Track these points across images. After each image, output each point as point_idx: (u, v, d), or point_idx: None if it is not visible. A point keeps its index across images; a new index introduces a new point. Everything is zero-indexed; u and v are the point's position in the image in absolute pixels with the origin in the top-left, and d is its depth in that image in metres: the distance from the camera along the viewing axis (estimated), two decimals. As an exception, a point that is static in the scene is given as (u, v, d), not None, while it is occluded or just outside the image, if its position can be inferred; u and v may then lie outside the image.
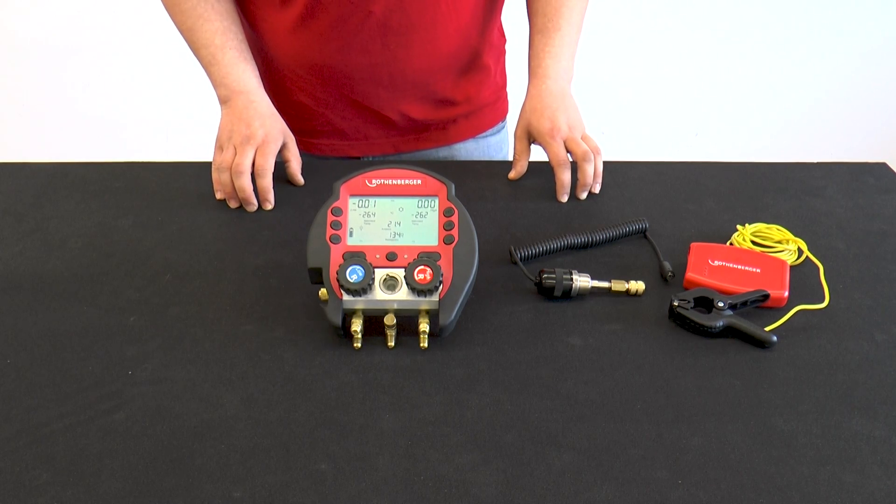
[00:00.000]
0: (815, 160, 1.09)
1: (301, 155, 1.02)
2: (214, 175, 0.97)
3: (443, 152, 1.17)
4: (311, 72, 1.06)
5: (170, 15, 1.00)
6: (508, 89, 1.24)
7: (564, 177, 0.97)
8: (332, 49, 1.02)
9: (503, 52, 1.20)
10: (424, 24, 1.02)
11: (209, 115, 2.67)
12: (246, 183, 0.93)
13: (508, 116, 1.25)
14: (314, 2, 0.98)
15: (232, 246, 0.88)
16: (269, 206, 0.95)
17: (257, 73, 1.01)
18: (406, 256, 0.74)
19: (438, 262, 0.73)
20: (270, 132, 0.96)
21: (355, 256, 0.73)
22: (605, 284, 0.81)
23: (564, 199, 0.98)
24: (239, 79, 0.97)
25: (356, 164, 0.84)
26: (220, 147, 0.98)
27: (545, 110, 1.00)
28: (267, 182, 0.94)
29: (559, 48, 1.04)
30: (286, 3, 0.99)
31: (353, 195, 0.78)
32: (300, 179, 1.00)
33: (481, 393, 0.68)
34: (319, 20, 0.99)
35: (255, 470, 0.61)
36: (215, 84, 0.99)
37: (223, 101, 0.99)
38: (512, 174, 1.03)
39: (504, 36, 1.19)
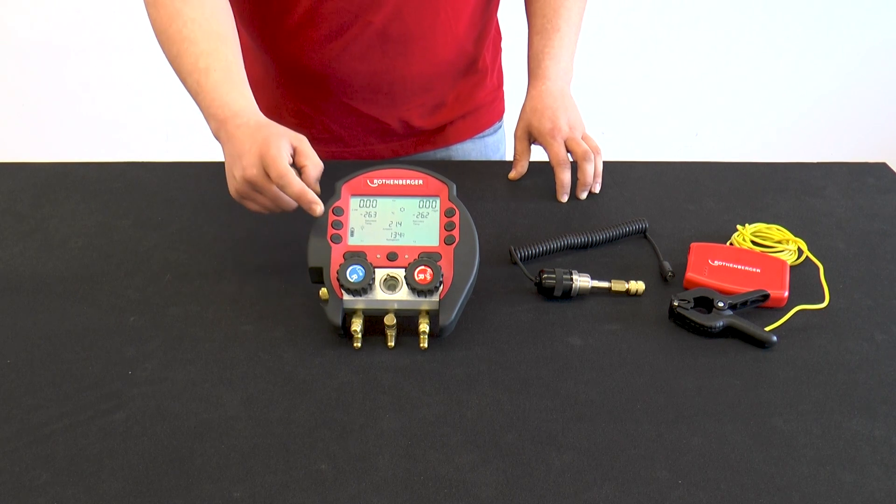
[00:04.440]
0: (815, 160, 1.09)
1: None
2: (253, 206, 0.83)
3: (441, 154, 1.17)
4: (311, 79, 1.05)
5: (160, 45, 0.90)
6: (506, 89, 1.24)
7: (565, 177, 0.97)
8: (331, 57, 1.02)
9: (500, 51, 1.20)
10: (423, 32, 1.01)
11: (209, 115, 2.61)
12: (286, 182, 0.77)
13: (505, 116, 1.25)
14: (313, 11, 0.97)
15: (232, 246, 0.88)
16: (319, 208, 0.76)
17: (247, 87, 0.86)
18: (407, 256, 0.74)
19: (439, 263, 0.73)
20: (268, 139, 0.78)
21: (356, 256, 0.73)
22: (605, 284, 0.81)
23: (564, 199, 0.98)
24: (223, 103, 0.82)
25: (358, 164, 0.84)
26: (235, 194, 0.83)
27: (545, 111, 1.00)
28: (295, 189, 0.76)
29: (558, 49, 1.04)
30: (285, 12, 0.99)
31: (354, 195, 0.78)
32: (315, 189, 0.79)
33: (481, 393, 0.68)
34: (319, 29, 0.99)
35: (255, 470, 0.61)
36: (205, 116, 0.85)
37: (215, 135, 0.85)
38: (512, 174, 1.03)
39: (500, 34, 1.19)
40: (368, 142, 1.12)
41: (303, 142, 0.80)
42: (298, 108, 1.09)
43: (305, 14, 0.98)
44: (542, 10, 1.05)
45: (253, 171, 0.77)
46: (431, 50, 1.04)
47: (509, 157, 1.08)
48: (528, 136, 1.04)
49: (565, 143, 0.99)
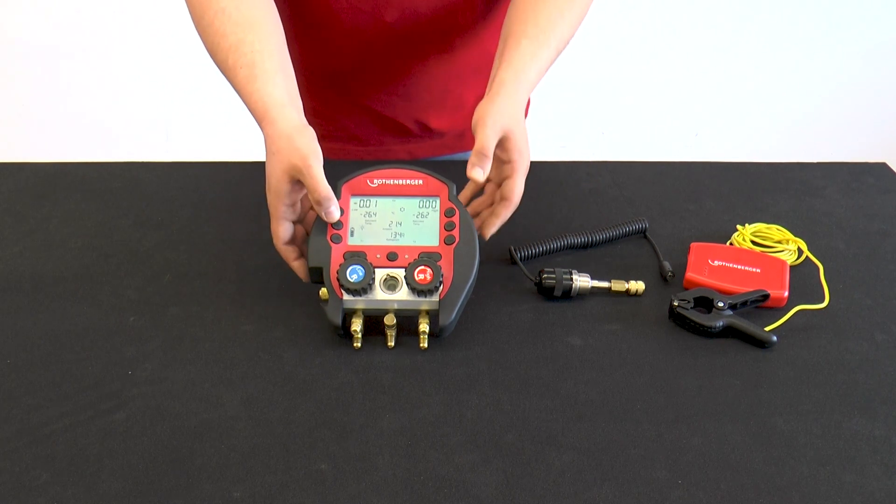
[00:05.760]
0: (815, 160, 1.09)
1: None
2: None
3: (458, 158, 1.15)
4: (325, 79, 1.05)
5: (198, 35, 0.85)
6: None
7: (506, 215, 0.81)
8: (346, 58, 1.01)
9: None
10: (440, 34, 1.00)
11: (209, 114, 2.66)
12: (283, 257, 0.77)
13: (531, 124, 1.22)
14: (326, 11, 0.97)
15: (232, 246, 0.88)
16: (304, 279, 0.77)
17: (267, 80, 0.78)
18: (407, 256, 0.74)
19: (439, 263, 0.73)
20: (270, 181, 0.74)
21: (356, 256, 0.73)
22: (605, 284, 0.81)
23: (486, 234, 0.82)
24: (251, 103, 0.77)
25: (358, 164, 0.84)
26: None
27: (523, 132, 0.81)
28: (285, 253, 0.76)
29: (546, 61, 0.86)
30: (298, 12, 0.99)
31: (354, 195, 0.78)
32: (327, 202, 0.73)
33: (481, 393, 0.68)
34: (333, 29, 0.98)
35: (255, 470, 0.61)
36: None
37: None
38: (481, 178, 0.78)
39: None
40: (384, 142, 1.11)
41: (304, 173, 0.71)
42: (314, 107, 1.09)
43: (319, 13, 0.97)
44: (535, 19, 0.86)
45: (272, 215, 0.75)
46: (449, 52, 1.02)
47: None
48: (499, 143, 0.79)
49: (513, 175, 0.80)
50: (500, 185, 0.81)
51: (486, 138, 0.77)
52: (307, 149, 0.72)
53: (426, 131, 1.11)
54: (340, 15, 0.97)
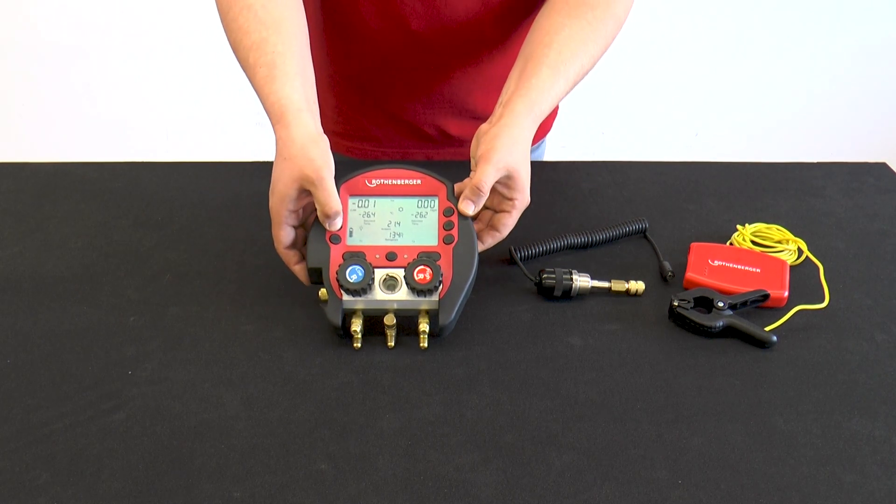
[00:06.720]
0: (815, 160, 1.09)
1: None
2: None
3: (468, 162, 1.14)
4: (349, 80, 1.04)
5: (223, 28, 0.84)
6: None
7: (491, 244, 0.81)
8: (370, 62, 1.01)
9: None
10: (467, 45, 0.99)
11: (209, 114, 2.66)
12: (284, 261, 0.77)
13: (549, 135, 1.20)
14: (355, 15, 0.96)
15: (232, 246, 0.88)
16: (305, 282, 0.77)
17: (285, 82, 0.76)
18: (406, 256, 0.74)
19: (438, 262, 0.73)
20: (276, 186, 0.73)
21: (355, 256, 0.73)
22: (604, 284, 0.81)
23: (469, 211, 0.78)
24: (268, 105, 0.76)
25: (357, 164, 0.84)
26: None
27: (528, 173, 0.80)
28: (286, 258, 0.77)
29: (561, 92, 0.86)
30: (327, 13, 0.98)
31: (352, 195, 0.78)
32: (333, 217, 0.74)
33: (481, 393, 0.68)
34: (359, 33, 0.98)
35: (255, 470, 0.61)
36: None
37: None
38: (470, 213, 0.77)
39: None
40: (403, 144, 1.11)
41: (316, 185, 0.72)
42: (336, 105, 1.09)
43: (348, 15, 0.97)
44: (558, 46, 0.85)
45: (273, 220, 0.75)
46: (475, 64, 1.01)
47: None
48: (500, 179, 0.78)
49: (511, 211, 0.80)
50: (493, 211, 0.81)
51: (486, 175, 0.75)
52: (321, 160, 0.71)
53: (446, 138, 1.10)
54: (367, 19, 0.96)
